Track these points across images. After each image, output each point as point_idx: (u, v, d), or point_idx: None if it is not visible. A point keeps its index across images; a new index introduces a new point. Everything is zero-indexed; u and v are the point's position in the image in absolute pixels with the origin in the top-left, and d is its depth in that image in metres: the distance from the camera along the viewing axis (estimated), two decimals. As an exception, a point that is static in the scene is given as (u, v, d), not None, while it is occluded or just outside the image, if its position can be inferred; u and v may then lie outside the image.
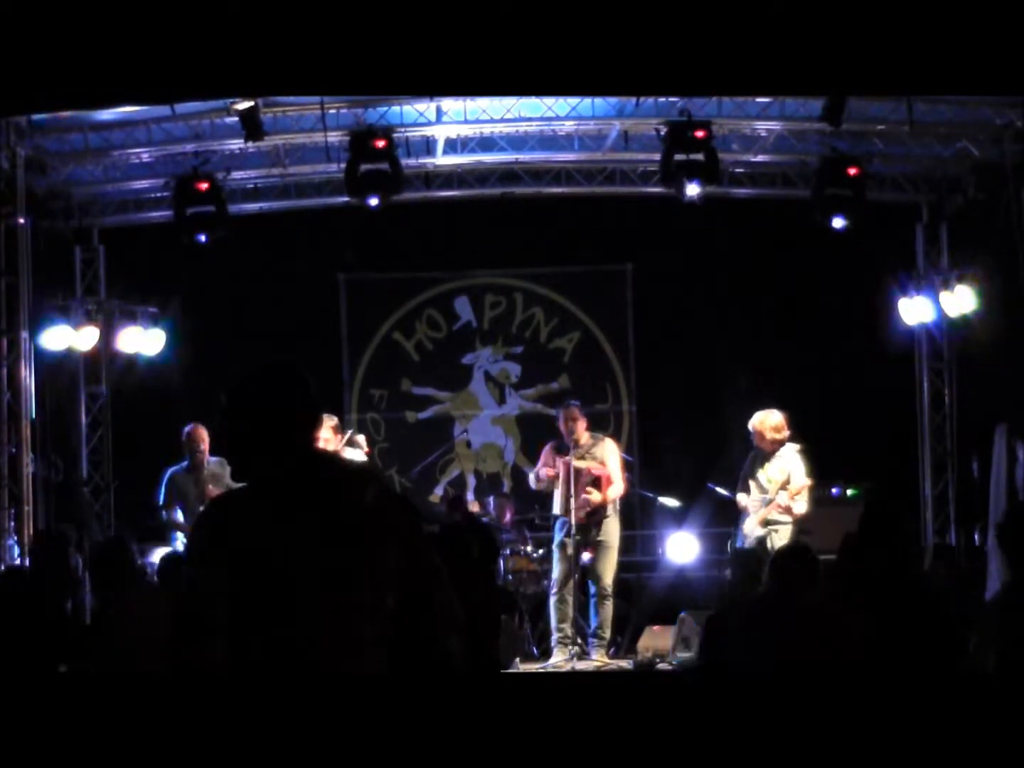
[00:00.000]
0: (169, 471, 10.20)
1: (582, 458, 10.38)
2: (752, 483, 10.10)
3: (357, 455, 10.08)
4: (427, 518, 10.84)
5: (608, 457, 10.46)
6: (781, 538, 9.83)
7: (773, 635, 5.89)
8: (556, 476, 10.42)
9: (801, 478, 9.96)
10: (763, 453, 10.08)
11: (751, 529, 10.01)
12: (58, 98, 6.68)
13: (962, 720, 3.16)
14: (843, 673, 5.37)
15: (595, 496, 10.28)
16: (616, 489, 10.42)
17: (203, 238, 11.49)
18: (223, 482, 9.31)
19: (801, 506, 9.93)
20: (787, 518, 9.92)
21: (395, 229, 12.55)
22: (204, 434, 9.92)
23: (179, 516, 10.03)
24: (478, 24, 4.89)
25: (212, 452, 9.82)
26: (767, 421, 10.04)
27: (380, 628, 3.26)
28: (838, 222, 11.56)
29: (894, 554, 6.23)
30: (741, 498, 10.19)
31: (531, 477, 10.93)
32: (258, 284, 12.89)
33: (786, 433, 10.04)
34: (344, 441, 9.97)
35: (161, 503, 10.15)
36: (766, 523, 9.93)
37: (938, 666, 5.64)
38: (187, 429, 10.03)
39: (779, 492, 9.93)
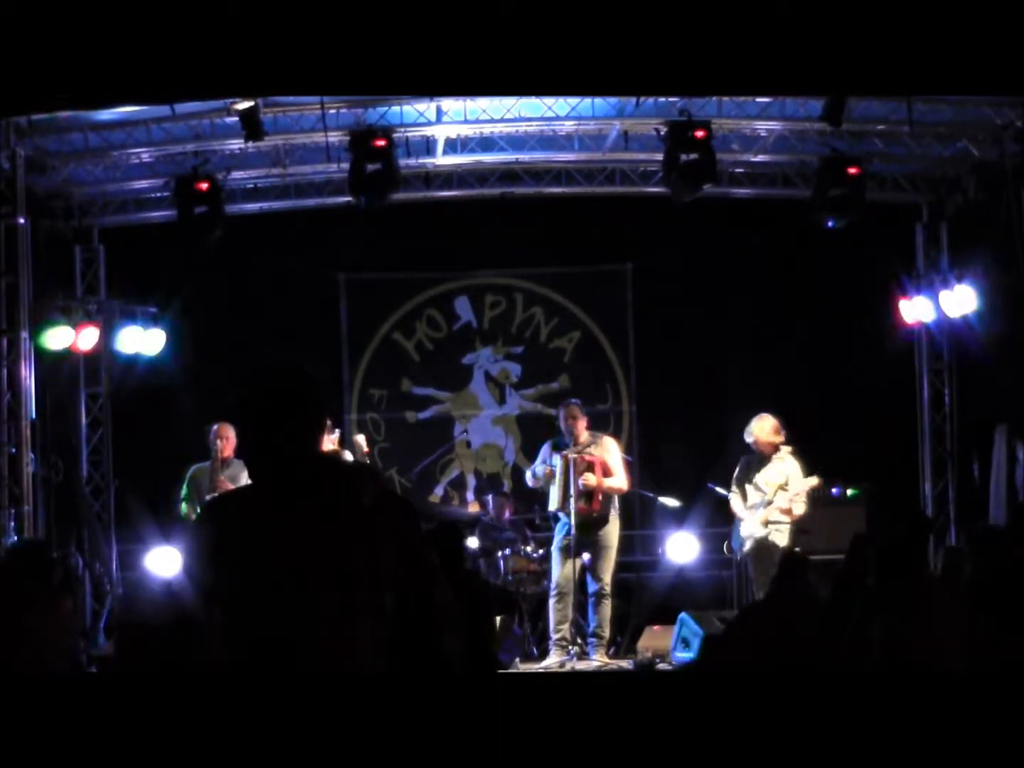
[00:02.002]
0: (193, 468, 10.25)
1: (579, 455, 10.39)
2: (749, 487, 10.24)
3: (346, 455, 10.07)
4: (426, 517, 10.85)
5: (608, 455, 10.46)
6: (783, 537, 10.06)
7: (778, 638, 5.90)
8: (553, 474, 10.43)
9: (799, 480, 10.14)
10: (760, 457, 10.26)
11: (751, 531, 10.13)
12: (58, 98, 6.68)
13: (960, 720, 3.16)
14: (844, 674, 5.38)
15: (591, 479, 10.25)
16: (618, 482, 10.40)
17: (202, 238, 11.49)
18: (240, 483, 9.32)
19: (800, 507, 10.12)
20: (787, 518, 10.08)
21: (395, 229, 12.53)
22: (226, 432, 9.93)
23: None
24: (478, 24, 4.89)
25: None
26: (765, 426, 10.24)
27: (379, 628, 3.26)
28: (838, 222, 11.56)
29: (897, 552, 6.23)
30: (734, 502, 10.30)
31: (528, 474, 10.91)
32: (258, 284, 12.89)
33: (783, 436, 10.23)
34: (335, 440, 9.96)
35: (182, 497, 10.21)
36: (767, 523, 10.08)
37: (940, 666, 5.64)
38: (213, 427, 10.06)
39: (777, 494, 10.10)
